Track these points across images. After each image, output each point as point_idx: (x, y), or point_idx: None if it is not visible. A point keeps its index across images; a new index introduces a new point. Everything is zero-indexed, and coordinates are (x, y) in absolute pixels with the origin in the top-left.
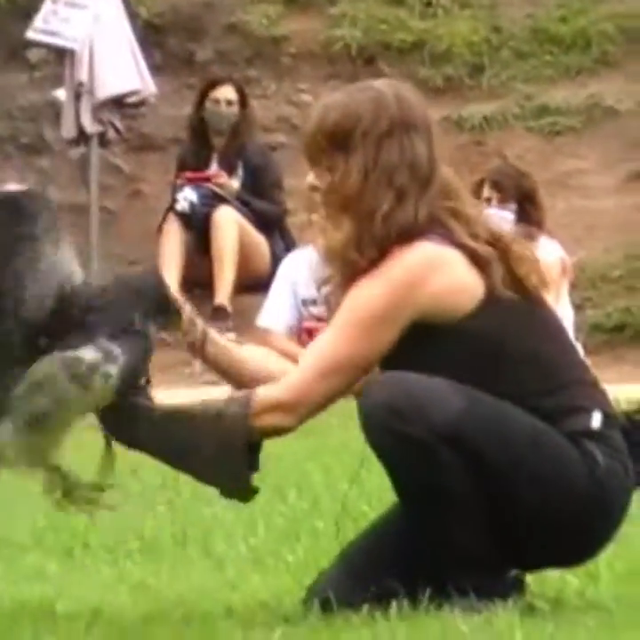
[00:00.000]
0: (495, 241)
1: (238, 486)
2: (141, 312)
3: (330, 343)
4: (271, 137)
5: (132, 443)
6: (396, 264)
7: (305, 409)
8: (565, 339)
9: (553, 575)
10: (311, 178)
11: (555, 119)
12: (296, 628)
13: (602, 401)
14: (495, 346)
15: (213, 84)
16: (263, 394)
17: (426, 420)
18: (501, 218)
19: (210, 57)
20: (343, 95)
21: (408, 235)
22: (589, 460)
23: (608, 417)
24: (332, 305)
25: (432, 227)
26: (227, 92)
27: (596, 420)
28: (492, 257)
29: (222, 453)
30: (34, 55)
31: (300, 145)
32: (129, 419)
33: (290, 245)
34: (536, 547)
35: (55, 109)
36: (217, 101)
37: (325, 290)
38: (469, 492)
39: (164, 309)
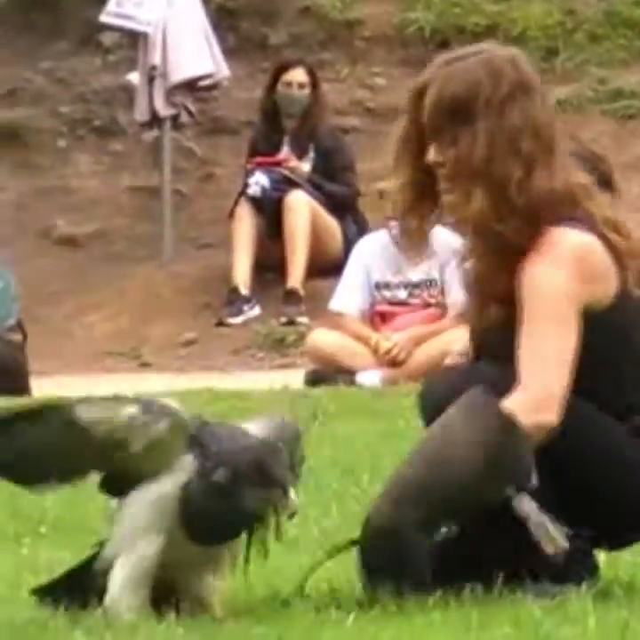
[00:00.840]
0: (618, 230)
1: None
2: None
3: (537, 338)
4: (344, 120)
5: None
6: (563, 246)
7: (550, 400)
8: None
9: (626, 560)
10: (432, 154)
11: (629, 102)
12: (369, 612)
13: None
14: (618, 342)
15: (285, 67)
16: (512, 404)
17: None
18: None
19: (283, 40)
20: (456, 65)
21: (553, 205)
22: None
23: None
24: (470, 278)
25: (573, 204)
26: (298, 75)
27: None
28: (625, 249)
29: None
30: (107, 39)
31: (373, 128)
32: None
33: (362, 228)
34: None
35: (128, 93)
36: (289, 84)
37: (464, 263)
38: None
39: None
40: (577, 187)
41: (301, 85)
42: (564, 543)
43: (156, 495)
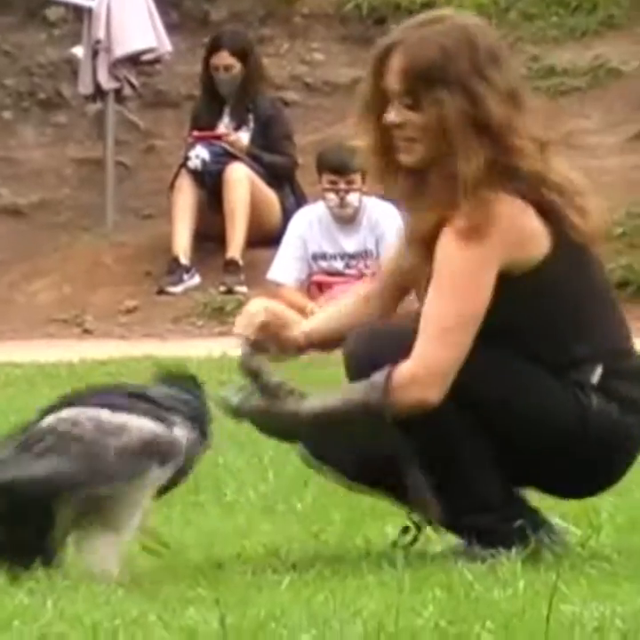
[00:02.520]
0: (560, 192)
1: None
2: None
3: (439, 307)
4: (284, 94)
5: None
6: (486, 214)
7: (440, 377)
8: (605, 288)
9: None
10: (392, 115)
11: (561, 80)
12: (304, 575)
13: (615, 354)
14: (551, 298)
15: (212, 49)
16: (397, 373)
17: None
18: None
19: (224, 16)
20: (427, 28)
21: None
22: (580, 405)
23: (614, 371)
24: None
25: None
26: (223, 58)
27: (596, 376)
28: (559, 210)
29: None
30: (53, 13)
31: (311, 102)
32: (279, 426)
33: (301, 201)
34: (538, 479)
35: (73, 66)
36: (216, 68)
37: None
38: (471, 437)
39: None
40: (532, 144)
41: (227, 68)
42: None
43: None
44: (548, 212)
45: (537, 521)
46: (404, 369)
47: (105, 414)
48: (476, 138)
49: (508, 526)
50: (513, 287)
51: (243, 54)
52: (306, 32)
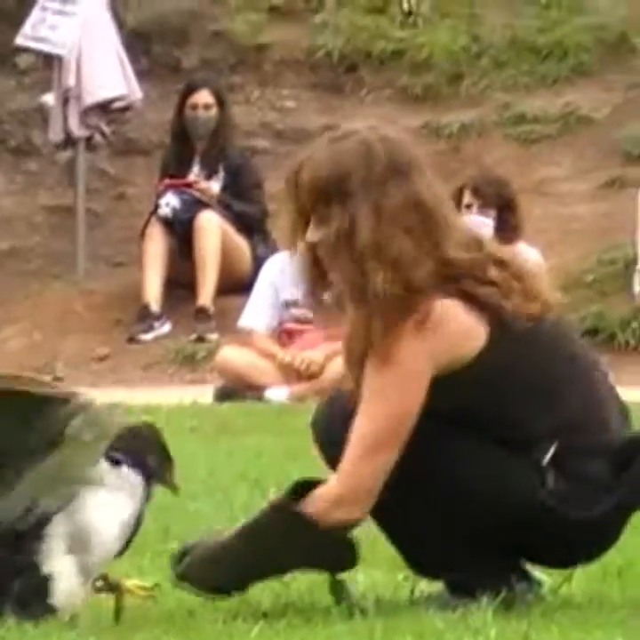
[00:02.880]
0: (503, 280)
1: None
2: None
3: (364, 424)
4: (254, 142)
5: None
6: (405, 334)
7: (365, 496)
8: (568, 357)
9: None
10: (309, 234)
11: (531, 127)
12: (275, 624)
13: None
14: (492, 385)
15: (191, 89)
16: (323, 495)
17: None
18: (482, 224)
19: (194, 64)
20: (328, 148)
21: (419, 284)
22: (535, 485)
23: (570, 447)
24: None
25: (442, 269)
26: (203, 97)
27: (549, 454)
28: (497, 301)
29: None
30: (23, 61)
31: (282, 150)
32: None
33: (271, 248)
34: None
35: (43, 114)
36: (195, 106)
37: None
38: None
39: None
40: (463, 259)
41: (207, 106)
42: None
43: None
44: (483, 306)
45: (508, 569)
46: (332, 491)
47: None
48: (347, 257)
49: (477, 581)
50: (458, 380)
51: (220, 97)
52: (276, 79)
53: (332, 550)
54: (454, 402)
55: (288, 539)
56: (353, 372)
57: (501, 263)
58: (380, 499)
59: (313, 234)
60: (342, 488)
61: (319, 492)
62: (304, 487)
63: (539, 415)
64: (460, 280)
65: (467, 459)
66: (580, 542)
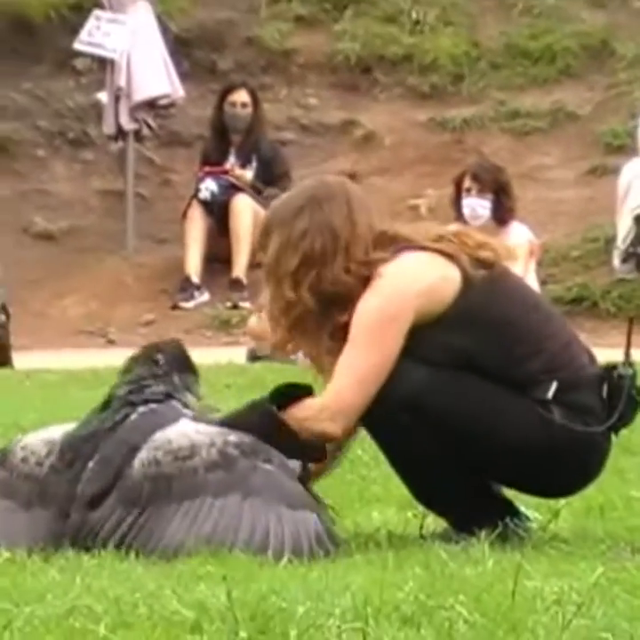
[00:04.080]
0: (453, 237)
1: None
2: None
3: (351, 357)
4: (282, 135)
5: None
6: (384, 278)
7: (346, 416)
8: (533, 304)
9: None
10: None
11: (524, 121)
12: (299, 557)
13: (566, 367)
14: (477, 323)
15: (231, 89)
16: (308, 404)
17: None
18: (480, 206)
19: (230, 66)
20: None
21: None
22: (544, 420)
23: (570, 382)
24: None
25: (395, 245)
26: (242, 96)
27: (551, 391)
28: (455, 250)
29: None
30: (80, 63)
31: (306, 142)
32: None
33: None
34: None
35: (97, 110)
36: (234, 104)
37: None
38: (438, 452)
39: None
40: (396, 232)
41: (244, 105)
42: None
43: None
44: (446, 255)
45: (503, 508)
46: (316, 401)
47: (170, 436)
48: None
49: (476, 520)
50: (442, 324)
51: (255, 97)
52: (301, 80)
53: (305, 448)
54: (447, 346)
55: (266, 438)
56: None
57: (441, 237)
58: (393, 439)
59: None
60: (329, 401)
61: (306, 403)
62: (284, 394)
63: (531, 355)
64: (410, 239)
65: (475, 398)
66: (580, 472)
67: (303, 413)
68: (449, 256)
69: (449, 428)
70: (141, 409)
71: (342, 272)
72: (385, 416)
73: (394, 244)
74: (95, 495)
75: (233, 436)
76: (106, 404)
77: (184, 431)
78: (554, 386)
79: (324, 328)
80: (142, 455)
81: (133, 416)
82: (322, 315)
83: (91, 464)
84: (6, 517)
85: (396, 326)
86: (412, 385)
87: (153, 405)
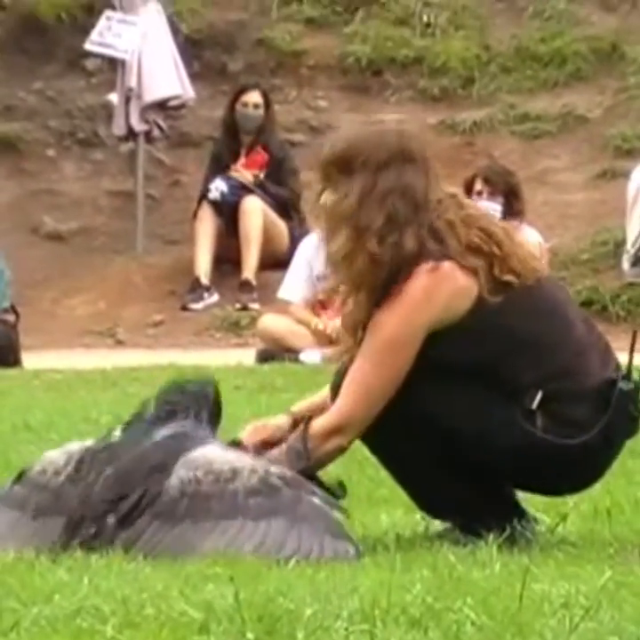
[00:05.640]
0: (488, 238)
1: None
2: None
3: (363, 371)
4: (291, 136)
5: None
6: (407, 297)
7: (356, 429)
8: (548, 312)
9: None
10: (323, 197)
11: (534, 125)
12: (306, 559)
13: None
14: (479, 334)
15: (243, 90)
16: (318, 425)
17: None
18: (491, 209)
19: (240, 68)
20: (351, 131)
21: (410, 257)
22: (526, 430)
23: (557, 393)
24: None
25: (431, 242)
26: (254, 97)
27: (536, 401)
28: (478, 267)
29: None
30: (90, 64)
31: (315, 143)
32: None
33: (306, 229)
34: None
35: (108, 110)
36: (246, 105)
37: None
38: (434, 459)
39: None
40: (440, 222)
41: (256, 106)
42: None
43: None
44: (471, 270)
45: (511, 511)
46: (326, 421)
47: (210, 457)
48: (341, 227)
49: (483, 523)
50: (450, 334)
51: (266, 98)
52: (311, 82)
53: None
54: (449, 354)
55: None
56: (354, 339)
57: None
58: (391, 449)
59: (322, 198)
60: (339, 419)
61: (317, 424)
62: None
63: (526, 370)
64: (445, 244)
65: (461, 404)
66: (566, 472)
67: (314, 435)
68: (474, 271)
69: (439, 435)
70: (164, 431)
71: (413, 239)
72: (379, 424)
73: (430, 237)
74: (107, 503)
75: (274, 468)
76: (129, 424)
77: (224, 454)
78: (539, 396)
79: (376, 293)
80: (181, 473)
81: (157, 436)
82: (385, 279)
83: (106, 472)
84: (13, 526)
85: (411, 347)
86: (407, 394)
87: (179, 429)
